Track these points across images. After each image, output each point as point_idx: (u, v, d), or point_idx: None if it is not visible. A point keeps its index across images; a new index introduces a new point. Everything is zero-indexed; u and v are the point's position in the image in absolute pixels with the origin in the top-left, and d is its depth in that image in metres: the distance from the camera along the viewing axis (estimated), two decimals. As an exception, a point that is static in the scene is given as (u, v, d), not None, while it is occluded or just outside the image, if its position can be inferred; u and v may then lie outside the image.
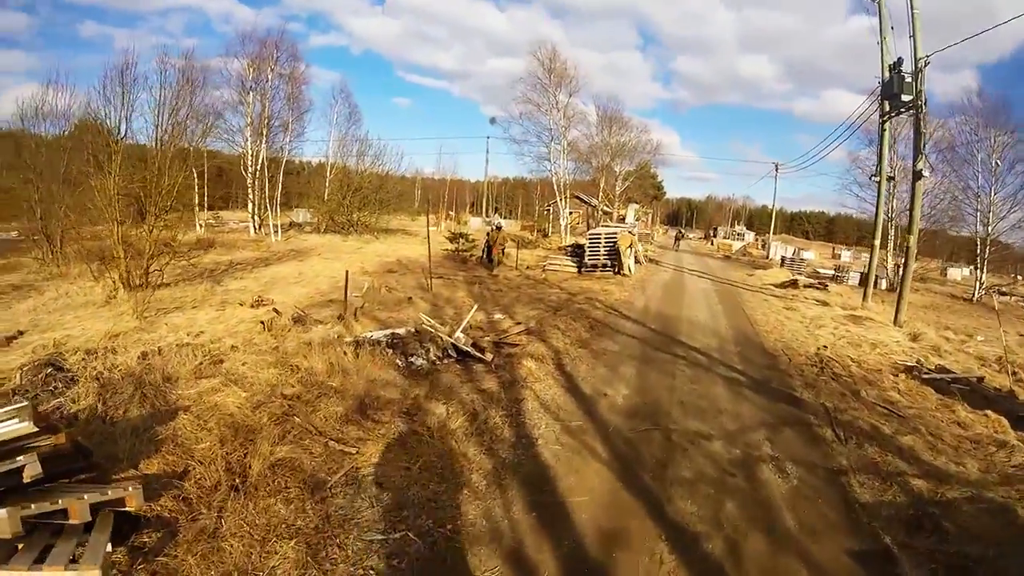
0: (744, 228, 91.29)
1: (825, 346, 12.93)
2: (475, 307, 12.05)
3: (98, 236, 17.45)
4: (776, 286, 25.84)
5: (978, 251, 36.59)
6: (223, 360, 8.56)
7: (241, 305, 14.79)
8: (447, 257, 26.43)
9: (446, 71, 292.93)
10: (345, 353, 8.74)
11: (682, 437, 6.99)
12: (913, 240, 18.24)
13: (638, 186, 54.63)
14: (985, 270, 36.74)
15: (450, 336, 9.97)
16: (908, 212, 19.32)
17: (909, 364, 11.91)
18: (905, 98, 17.92)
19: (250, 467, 5.38)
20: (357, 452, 5.93)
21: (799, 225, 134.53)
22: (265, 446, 5.72)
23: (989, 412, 8.73)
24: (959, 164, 35.21)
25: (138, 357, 8.55)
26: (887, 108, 19.70)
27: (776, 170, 49.62)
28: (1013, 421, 8.40)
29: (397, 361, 9.00)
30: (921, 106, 17.71)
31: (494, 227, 26.37)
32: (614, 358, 10.43)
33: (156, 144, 21.02)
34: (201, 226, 37.00)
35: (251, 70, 37.00)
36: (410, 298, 15.41)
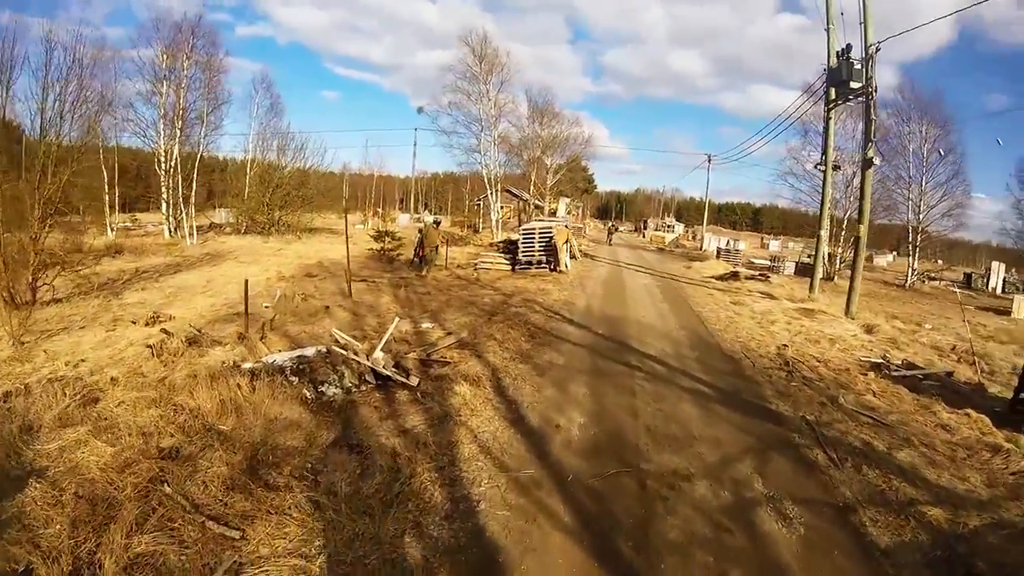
0: (674, 220, 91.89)
1: (785, 344, 12.08)
2: (398, 318, 10.49)
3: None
4: (717, 279, 25.10)
5: (910, 238, 37.36)
6: (98, 398, 7.07)
7: (134, 323, 13.25)
8: (372, 257, 24.78)
9: (376, 64, 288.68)
10: (240, 386, 7.15)
11: (658, 481, 5.66)
12: (863, 230, 17.68)
13: (569, 179, 53.66)
14: (916, 257, 37.46)
15: (369, 355, 8.49)
16: (858, 202, 18.71)
17: (874, 360, 11.32)
18: (854, 85, 17.50)
19: (101, 567, 4.01)
20: (242, 537, 4.43)
21: (726, 216, 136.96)
22: (120, 535, 4.26)
23: (970, 411, 8.36)
24: (892, 155, 35.38)
25: (-1, 398, 6.99)
26: (833, 95, 19.00)
27: (709, 161, 49.34)
28: (993, 418, 8.15)
29: (305, 392, 7.50)
30: (871, 93, 17.15)
31: (430, 223, 22.88)
32: (562, 373, 9.05)
33: (39, 136, 18.76)
34: (112, 230, 34.55)
35: (165, 57, 34.51)
36: (327, 307, 13.83)
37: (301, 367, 8.17)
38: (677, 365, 10.03)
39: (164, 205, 35.53)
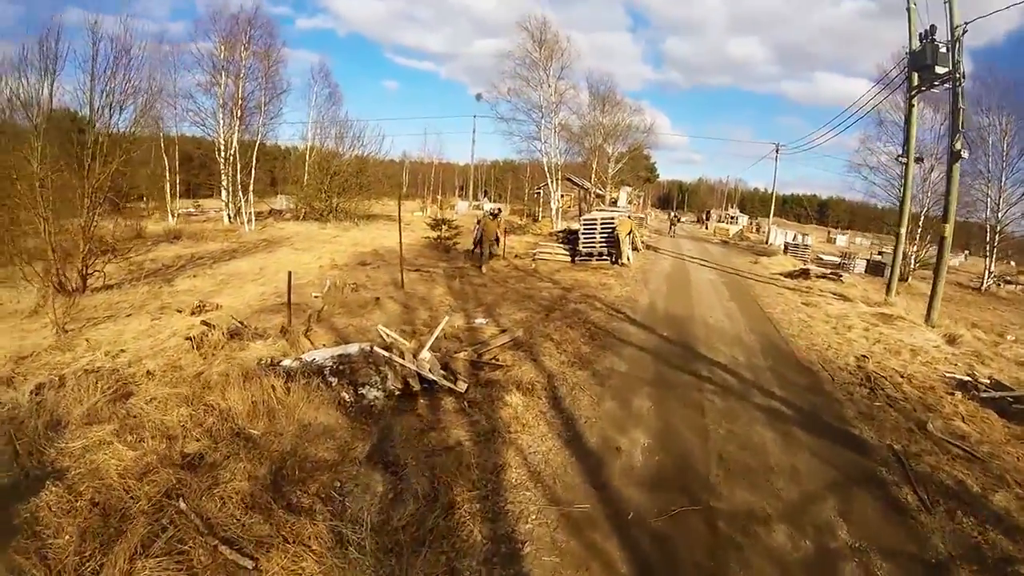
0: (737, 211, 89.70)
1: (865, 356, 11.05)
2: (448, 316, 9.86)
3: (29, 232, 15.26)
4: (785, 276, 23.88)
5: (987, 238, 34.96)
6: (131, 392, 6.75)
7: (180, 312, 12.94)
8: (429, 246, 24.28)
9: (433, 53, 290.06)
10: (274, 387, 6.65)
11: (731, 523, 4.93)
12: (949, 229, 16.24)
13: (630, 168, 52.29)
14: (993, 259, 35.56)
15: (416, 355, 7.93)
16: (942, 198, 17.41)
17: (960, 378, 10.12)
18: (940, 70, 15.98)
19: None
20: (255, 567, 3.90)
21: (791, 208, 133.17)
22: (124, 558, 3.85)
23: (1069, 447, 7.20)
24: (970, 148, 33.09)
25: (31, 391, 6.81)
26: (916, 81, 17.63)
27: (776, 151, 47.48)
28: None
29: (344, 395, 6.99)
30: (959, 78, 15.69)
31: (487, 213, 22.03)
32: (623, 383, 8.30)
33: (89, 125, 18.82)
34: (174, 216, 35.15)
35: (222, 49, 34.60)
36: (378, 298, 13.34)
37: (341, 367, 7.63)
38: (749, 376, 9.18)
39: (224, 192, 35.94)
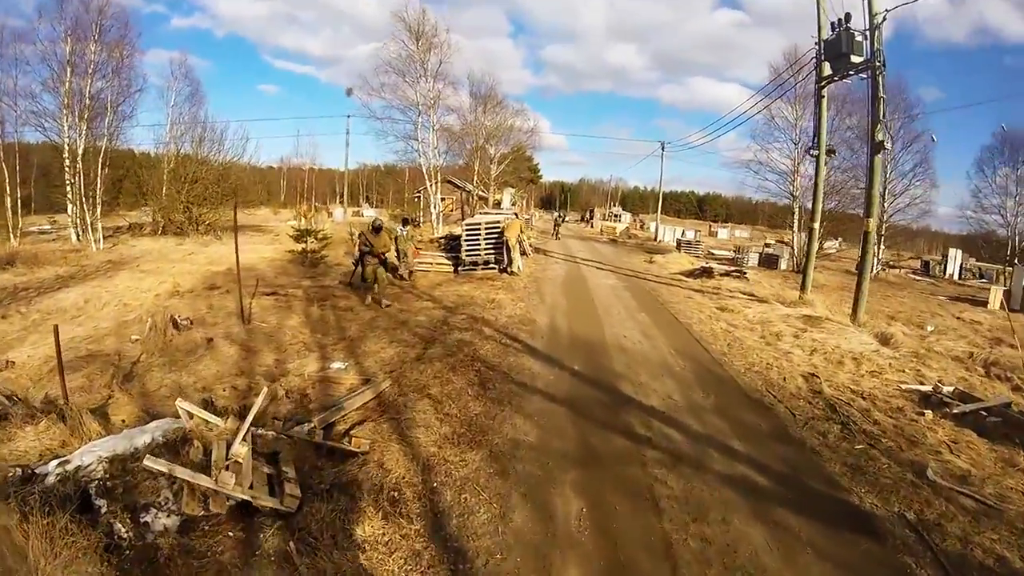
0: (620, 209, 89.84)
1: (813, 373, 9.42)
2: (266, 389, 6.90)
3: None
4: (687, 276, 22.32)
5: (881, 230, 35.64)
6: None
7: None
8: (294, 261, 21.19)
9: (315, 56, 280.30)
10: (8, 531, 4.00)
11: None
12: (873, 224, 15.17)
13: (513, 170, 50.31)
14: (881, 247, 36.29)
15: (229, 444, 5.32)
16: (866, 191, 16.12)
17: (919, 389, 8.94)
18: (855, 59, 14.85)
19: None
20: None
21: (670, 204, 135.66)
22: None
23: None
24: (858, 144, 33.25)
25: None
26: (825, 72, 16.33)
27: (663, 149, 46.73)
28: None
29: (118, 527, 4.38)
30: (880, 66, 14.42)
31: (370, 226, 15.04)
32: (536, 466, 5.77)
33: None
34: (15, 236, 30.16)
35: (69, 40, 30.08)
36: (210, 339, 10.52)
37: (114, 481, 5.00)
38: (696, 426, 6.93)
39: (69, 206, 31.26)
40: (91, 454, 5.58)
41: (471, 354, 9.18)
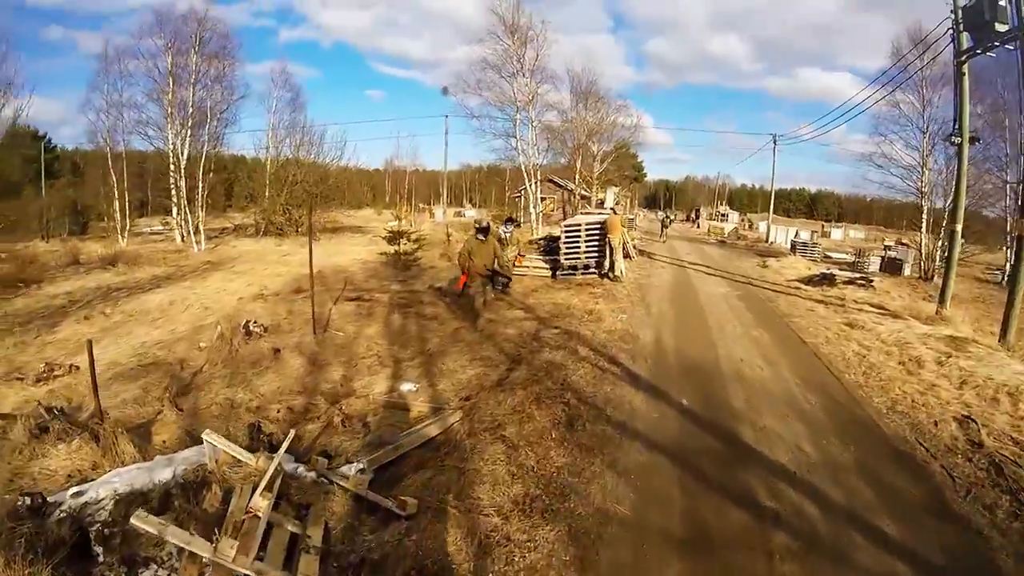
0: (727, 208, 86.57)
1: (968, 416, 7.59)
2: (293, 432, 5.90)
3: None
4: (804, 283, 20.23)
5: (1008, 228, 31.46)
6: None
7: (20, 380, 9.75)
8: (387, 263, 20.46)
9: (417, 60, 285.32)
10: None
11: None
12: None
13: (617, 167, 48.51)
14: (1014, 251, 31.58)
15: (247, 500, 4.36)
16: (1019, 184, 13.93)
17: None
18: (1000, 27, 12.64)
19: None
20: None
21: (780, 202, 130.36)
22: None
23: None
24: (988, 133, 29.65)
25: None
26: (964, 46, 14.17)
27: (775, 143, 43.93)
28: None
29: None
30: None
31: (474, 231, 12.10)
32: (627, 554, 4.45)
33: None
34: (124, 237, 32.11)
35: (170, 53, 31.44)
36: (277, 351, 9.72)
37: (113, 531, 4.18)
38: (836, 494, 5.44)
39: (174, 209, 32.63)
40: (108, 486, 5.03)
41: (560, 380, 7.84)
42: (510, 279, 13.54)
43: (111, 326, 13.32)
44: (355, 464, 5.66)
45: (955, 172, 28.04)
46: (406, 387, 8.00)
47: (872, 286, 18.99)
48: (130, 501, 4.74)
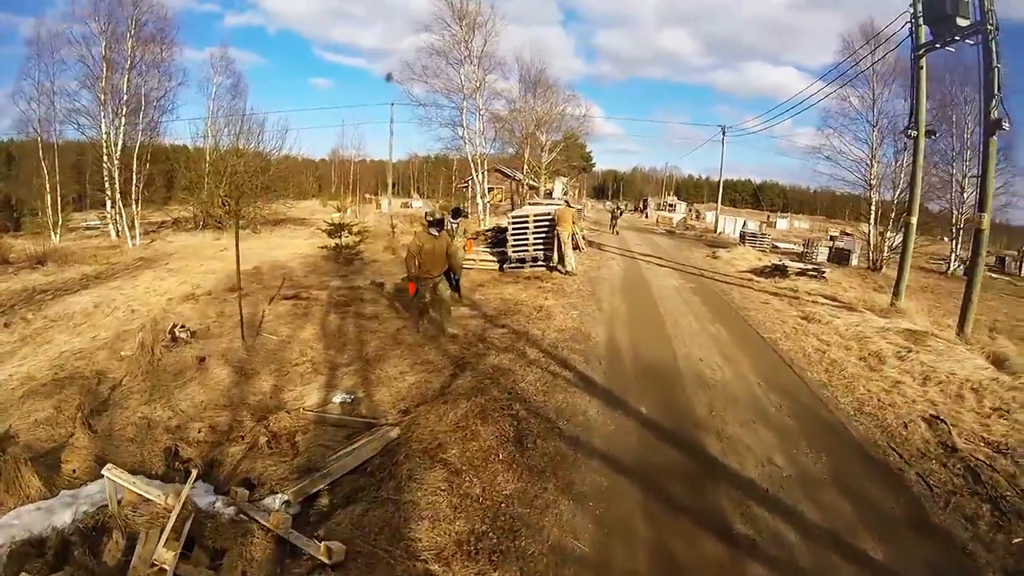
0: (675, 199, 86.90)
1: (936, 416, 7.29)
2: (194, 473, 5.19)
3: None
4: (757, 274, 19.99)
5: (953, 221, 32.78)
6: None
7: None
8: (328, 257, 19.58)
9: (367, 49, 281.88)
10: None
11: None
12: (987, 220, 12.65)
13: (565, 158, 48.09)
14: (959, 243, 32.93)
15: (155, 546, 3.72)
16: (980, 181, 13.78)
17: None
18: (962, 22, 12.58)
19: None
20: None
21: (727, 194, 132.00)
22: None
23: None
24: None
25: None
26: (922, 40, 14.14)
27: (723, 134, 43.86)
28: None
29: None
30: (992, 29, 12.12)
31: (425, 223, 11.38)
32: None
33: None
34: (57, 233, 30.20)
35: (103, 36, 29.67)
36: (202, 359, 8.92)
37: None
38: (812, 513, 4.96)
39: (108, 202, 30.91)
40: (6, 531, 4.38)
41: (508, 388, 7.17)
42: (457, 278, 11.79)
43: (31, 334, 12.25)
44: (279, 496, 4.99)
45: (905, 165, 28.98)
46: (340, 399, 7.30)
47: (824, 277, 18.81)
48: (25, 553, 4.16)
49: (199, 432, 6.81)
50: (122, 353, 9.80)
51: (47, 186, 30.81)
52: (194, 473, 4.58)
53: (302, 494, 5.06)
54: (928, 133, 15.15)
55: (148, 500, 4.58)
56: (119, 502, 4.70)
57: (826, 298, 15.18)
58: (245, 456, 6.09)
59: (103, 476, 4.71)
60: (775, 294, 15.67)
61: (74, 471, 6.06)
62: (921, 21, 14.00)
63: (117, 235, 30.36)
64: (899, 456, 6.15)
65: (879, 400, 7.71)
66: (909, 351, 10.22)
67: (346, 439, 6.23)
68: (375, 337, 9.98)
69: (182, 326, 10.61)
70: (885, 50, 23.55)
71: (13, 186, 35.57)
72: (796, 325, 11.90)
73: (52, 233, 29.75)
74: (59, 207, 31.57)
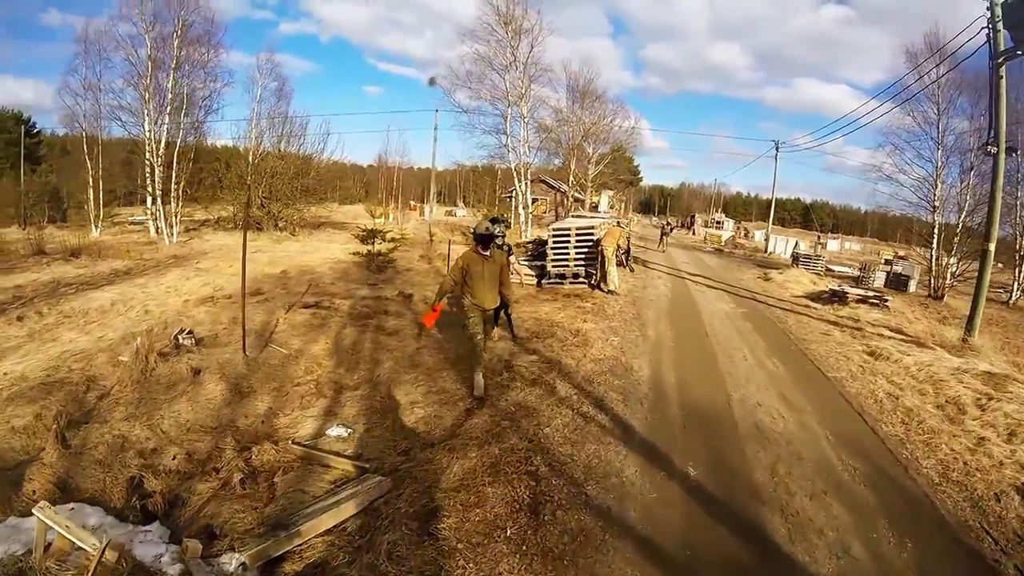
0: (723, 216, 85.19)
1: None
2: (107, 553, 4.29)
3: None
4: (813, 299, 18.69)
5: (1017, 248, 29.86)
6: None
7: None
8: (359, 264, 18.79)
9: (417, 59, 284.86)
10: None
11: None
12: None
13: (612, 171, 46.92)
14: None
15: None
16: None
17: None
18: None
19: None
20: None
21: (776, 212, 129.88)
22: None
23: None
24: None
25: None
26: (1001, 46, 12.84)
27: (776, 150, 42.37)
28: None
29: None
30: None
31: (472, 240, 8.02)
32: None
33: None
34: (97, 227, 30.82)
35: (149, 35, 29.75)
36: (197, 372, 8.07)
37: None
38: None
39: (148, 199, 31.26)
40: None
41: (530, 434, 6.08)
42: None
43: (41, 329, 11.65)
44: (235, 555, 4.06)
45: (971, 186, 27.18)
46: (336, 432, 6.35)
47: (887, 306, 17.49)
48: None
49: (173, 459, 5.97)
50: (120, 358, 9.05)
51: (90, 180, 31.13)
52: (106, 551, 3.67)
53: (262, 557, 4.12)
54: (1009, 150, 13.75)
55: (81, 548, 3.75)
56: (46, 548, 3.92)
57: (891, 330, 13.87)
58: (215, 495, 5.20)
59: (64, 501, 3.93)
60: (835, 323, 14.39)
61: (34, 492, 5.37)
62: (1000, 26, 12.73)
63: (156, 232, 30.48)
64: (993, 541, 5.01)
65: (964, 463, 6.47)
66: (990, 398, 8.91)
67: (331, 484, 5.27)
68: (391, 356, 9.03)
69: (188, 332, 9.84)
70: (955, 61, 21.88)
71: (63, 179, 36.10)
72: (863, 363, 10.63)
73: (93, 226, 30.31)
74: (101, 201, 31.95)
